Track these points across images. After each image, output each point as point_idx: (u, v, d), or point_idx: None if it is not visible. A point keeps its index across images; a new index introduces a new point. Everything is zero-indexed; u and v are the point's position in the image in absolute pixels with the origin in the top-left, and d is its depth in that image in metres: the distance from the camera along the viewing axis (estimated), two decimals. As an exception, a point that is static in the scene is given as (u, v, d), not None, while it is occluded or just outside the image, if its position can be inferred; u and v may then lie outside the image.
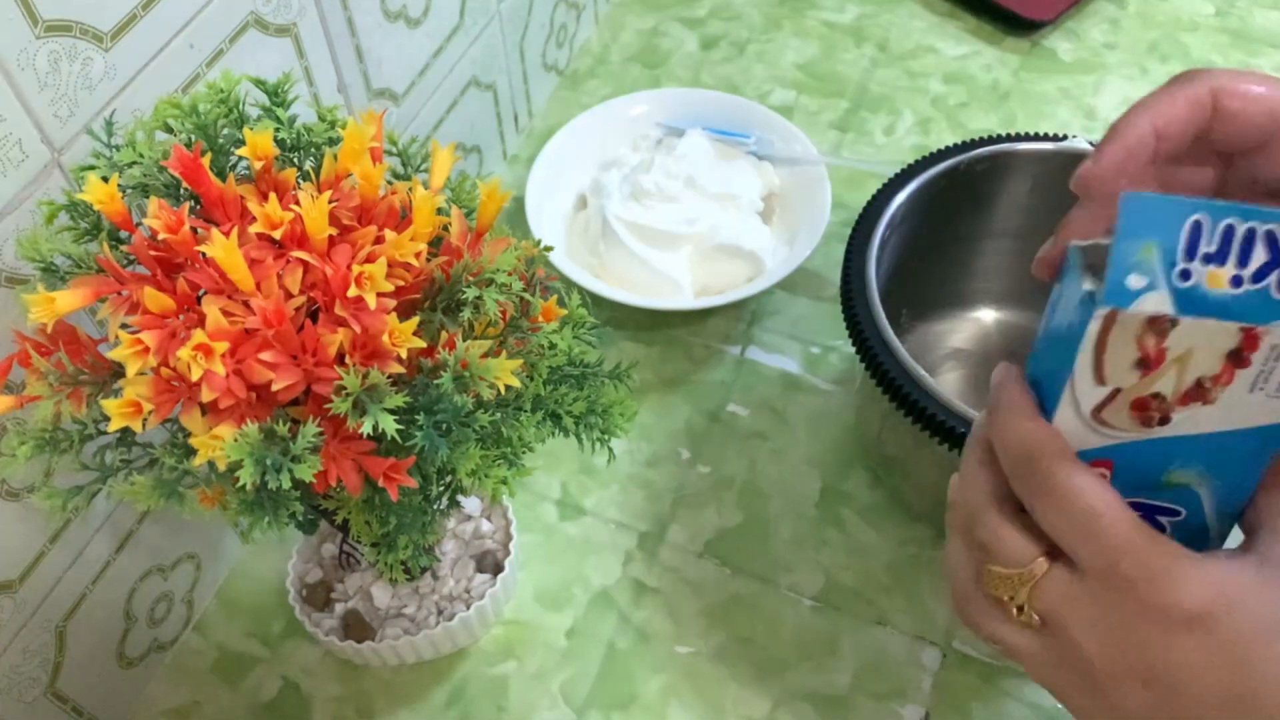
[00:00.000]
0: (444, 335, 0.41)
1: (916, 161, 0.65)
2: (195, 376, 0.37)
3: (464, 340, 0.41)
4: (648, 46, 0.96)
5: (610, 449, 0.49)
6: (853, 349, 0.58)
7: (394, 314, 0.39)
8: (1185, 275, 0.32)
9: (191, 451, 0.39)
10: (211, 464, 0.39)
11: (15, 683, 0.53)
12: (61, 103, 0.45)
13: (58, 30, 0.44)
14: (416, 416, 0.39)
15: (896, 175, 0.64)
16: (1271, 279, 0.32)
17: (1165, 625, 0.32)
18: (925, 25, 0.96)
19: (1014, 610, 0.36)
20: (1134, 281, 0.31)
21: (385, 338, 0.39)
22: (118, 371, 0.40)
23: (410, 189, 0.44)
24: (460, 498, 0.52)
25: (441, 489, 0.50)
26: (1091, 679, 0.34)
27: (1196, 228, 0.31)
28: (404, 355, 0.39)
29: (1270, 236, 0.31)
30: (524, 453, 0.46)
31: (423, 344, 0.40)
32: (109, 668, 0.59)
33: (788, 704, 0.60)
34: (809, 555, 0.66)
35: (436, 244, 0.44)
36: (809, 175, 0.80)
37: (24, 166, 0.45)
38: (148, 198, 0.42)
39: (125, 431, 0.44)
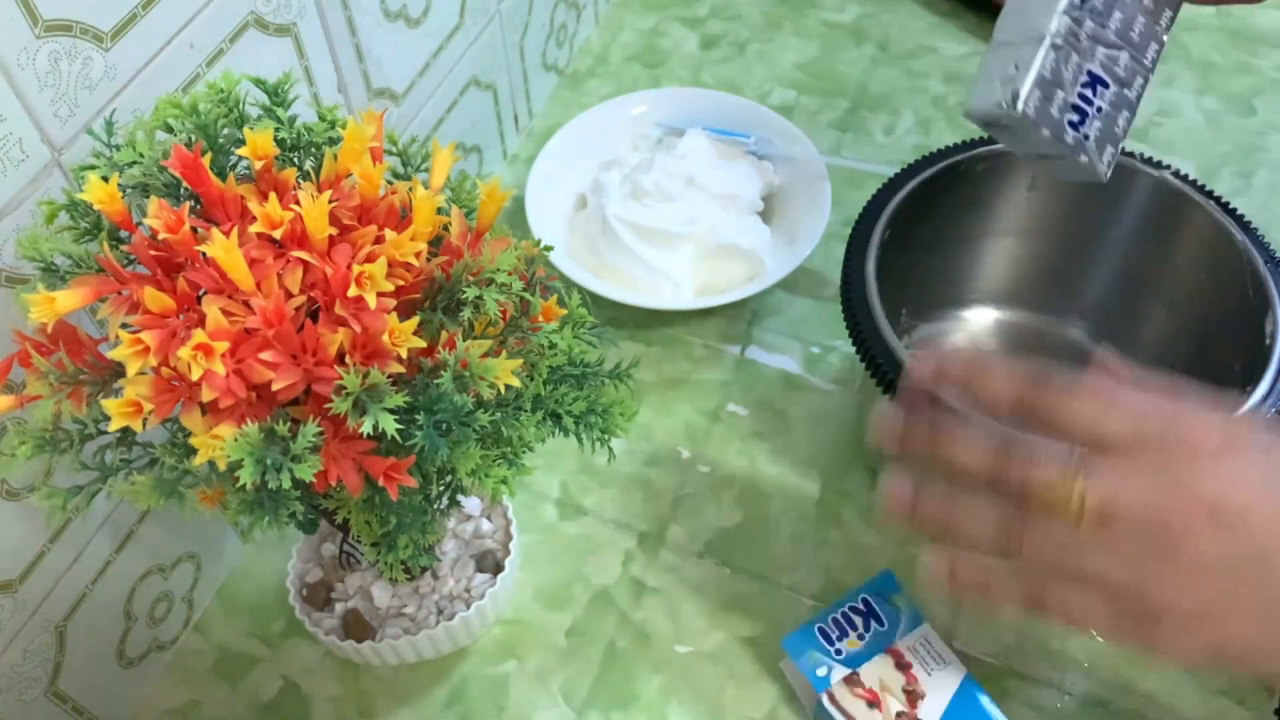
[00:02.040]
0: (444, 335, 0.41)
1: (916, 161, 0.65)
2: (195, 376, 0.37)
3: (464, 340, 0.41)
4: (648, 46, 0.96)
5: (610, 449, 0.49)
6: (853, 349, 0.58)
7: (394, 314, 0.39)
8: None
9: (191, 451, 0.39)
10: (212, 464, 0.39)
11: (15, 683, 0.53)
12: (61, 102, 0.45)
13: (58, 30, 0.44)
14: (416, 416, 0.39)
15: (896, 175, 0.64)
16: None
17: (1207, 456, 0.37)
18: (925, 25, 0.96)
19: (1076, 511, 0.38)
20: None
21: (385, 337, 0.39)
22: (118, 371, 0.40)
23: (410, 189, 0.44)
24: (460, 497, 0.52)
25: (441, 489, 0.50)
26: (1168, 543, 0.37)
27: None
28: (404, 355, 0.39)
29: None
30: (524, 452, 0.46)
31: (423, 344, 0.40)
32: (109, 668, 0.59)
33: (788, 704, 0.60)
34: (809, 555, 0.66)
35: (436, 244, 0.44)
36: (809, 175, 0.80)
37: (24, 166, 0.45)
38: (148, 197, 0.42)
39: (125, 431, 0.44)
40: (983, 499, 0.41)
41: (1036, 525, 0.40)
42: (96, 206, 0.40)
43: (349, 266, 0.39)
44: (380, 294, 0.39)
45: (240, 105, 0.44)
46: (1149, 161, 0.63)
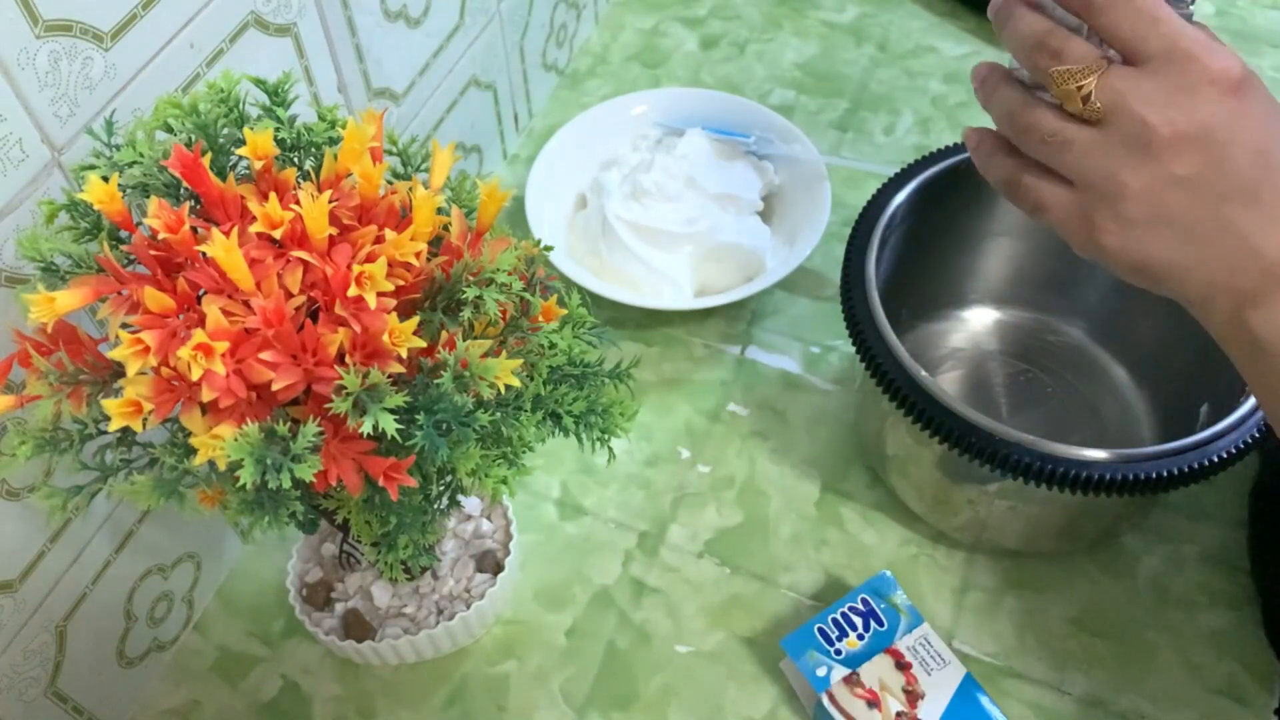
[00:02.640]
0: (444, 335, 0.41)
1: (916, 161, 0.65)
2: (195, 376, 0.37)
3: (464, 340, 0.41)
4: (648, 46, 0.96)
5: (610, 449, 0.49)
6: (853, 349, 0.58)
7: (394, 314, 0.39)
8: None
9: (192, 451, 0.39)
10: (212, 464, 0.39)
11: (15, 682, 0.53)
12: (62, 102, 0.45)
13: (58, 30, 0.44)
14: (416, 416, 0.39)
15: (896, 175, 0.64)
16: None
17: (1220, 87, 0.39)
18: (925, 25, 0.96)
19: (1080, 101, 0.41)
20: None
21: (385, 337, 0.39)
22: (118, 371, 0.40)
23: (410, 189, 0.44)
24: (460, 497, 0.52)
25: (441, 489, 0.50)
26: (1148, 150, 0.40)
27: None
28: (404, 355, 0.39)
29: None
30: (524, 452, 0.46)
31: (423, 344, 0.40)
32: (109, 667, 0.59)
33: (788, 703, 0.60)
34: (809, 555, 0.66)
35: (436, 244, 0.44)
36: (809, 175, 0.80)
37: (24, 166, 0.45)
38: (148, 197, 0.42)
39: (125, 431, 0.44)
40: (1015, 87, 0.44)
41: (1037, 110, 0.42)
42: (96, 206, 0.40)
43: (349, 266, 0.39)
44: (380, 294, 0.39)
45: (240, 105, 0.44)
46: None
